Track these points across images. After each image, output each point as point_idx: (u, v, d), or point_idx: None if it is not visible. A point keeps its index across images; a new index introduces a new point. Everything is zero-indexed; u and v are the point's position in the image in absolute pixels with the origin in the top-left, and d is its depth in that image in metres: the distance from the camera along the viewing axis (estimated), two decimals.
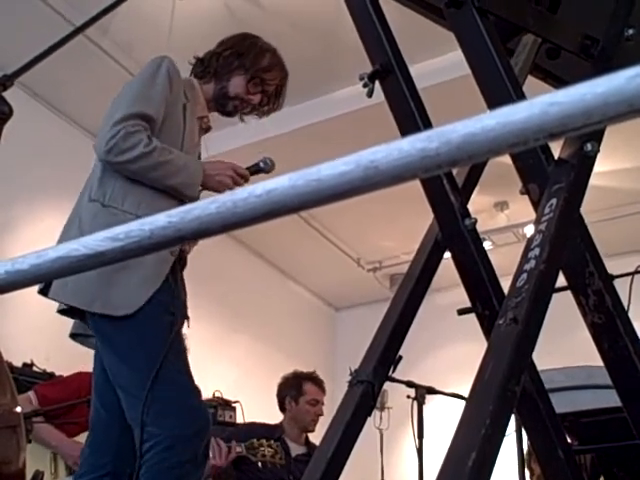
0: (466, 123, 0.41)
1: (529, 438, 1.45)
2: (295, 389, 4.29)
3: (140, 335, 2.03)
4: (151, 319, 2.04)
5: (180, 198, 2.15)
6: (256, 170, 2.34)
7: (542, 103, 0.40)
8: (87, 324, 2.15)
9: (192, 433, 1.96)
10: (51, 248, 0.48)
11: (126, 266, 1.96)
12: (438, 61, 4.92)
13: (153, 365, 1.95)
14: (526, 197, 1.37)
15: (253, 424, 4.26)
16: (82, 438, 3.11)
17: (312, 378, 4.37)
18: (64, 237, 2.11)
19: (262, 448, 3.54)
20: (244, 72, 2.36)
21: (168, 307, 2.08)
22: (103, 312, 2.01)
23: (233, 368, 6.55)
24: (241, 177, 2.27)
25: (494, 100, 1.36)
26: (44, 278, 0.48)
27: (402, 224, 6.61)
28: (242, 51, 2.38)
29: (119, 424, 2.07)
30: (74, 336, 2.24)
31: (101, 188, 2.08)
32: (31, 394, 3.26)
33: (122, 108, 2.08)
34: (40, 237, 5.01)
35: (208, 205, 0.46)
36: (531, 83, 1.75)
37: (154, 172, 2.06)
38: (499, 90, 1.34)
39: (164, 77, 2.16)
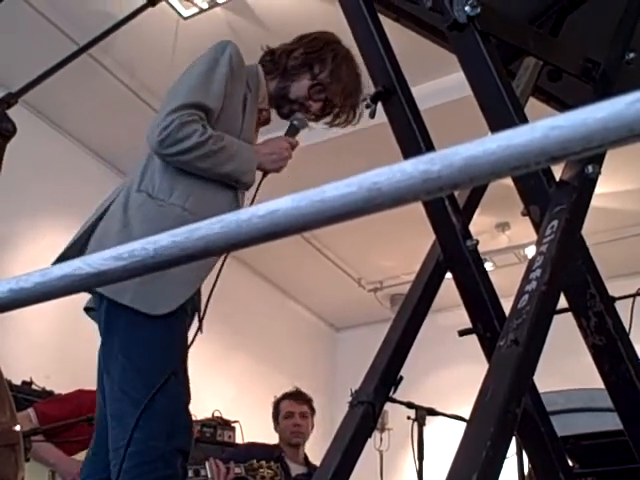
0: (468, 146, 0.42)
1: (530, 460, 1.44)
2: (275, 410, 4.38)
3: (158, 340, 1.92)
4: (175, 324, 1.95)
5: (235, 186, 2.08)
6: (295, 132, 2.26)
7: (543, 127, 0.40)
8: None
9: (171, 450, 1.85)
10: (55, 267, 0.49)
11: None
12: (440, 82, 4.95)
13: (158, 374, 1.86)
14: (527, 218, 1.37)
15: (252, 444, 4.25)
16: (81, 457, 3.10)
17: (288, 395, 4.41)
18: (103, 229, 1.99)
19: (262, 470, 3.52)
20: (311, 77, 2.26)
21: (187, 310, 2.02)
22: (133, 306, 1.89)
23: (232, 387, 6.53)
24: (292, 146, 2.22)
25: (496, 122, 1.37)
26: (48, 297, 0.49)
27: (403, 244, 6.62)
28: (315, 54, 2.28)
29: None
30: (88, 310, 2.13)
31: (151, 180, 2.00)
32: (30, 412, 3.25)
33: (179, 97, 2.00)
34: (42, 254, 5.01)
35: (212, 225, 0.46)
36: (533, 105, 1.76)
37: (207, 160, 1.98)
38: (501, 112, 1.35)
39: (226, 66, 2.07)
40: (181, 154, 1.95)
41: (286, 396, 4.40)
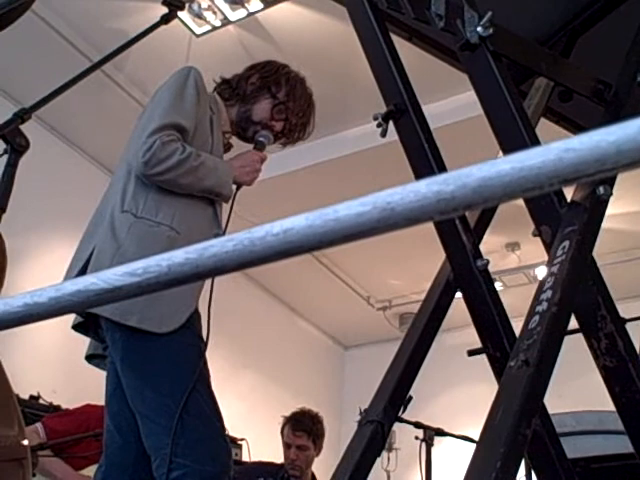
0: (481, 167, 0.42)
1: None
2: (281, 433, 4.19)
3: (173, 357, 1.93)
4: (186, 341, 1.96)
5: (214, 202, 2.14)
6: (261, 147, 2.35)
7: (557, 149, 0.40)
8: (101, 340, 2.07)
9: (220, 472, 1.87)
10: (69, 281, 0.49)
11: None
12: (451, 101, 4.96)
13: (181, 392, 1.86)
14: (538, 238, 1.37)
15: (259, 463, 4.22)
16: (88, 471, 3.09)
17: (290, 419, 4.19)
18: (99, 253, 2.00)
19: None
20: (271, 98, 2.37)
21: (199, 331, 2.02)
22: (141, 327, 1.90)
23: (239, 404, 6.51)
24: (262, 160, 2.31)
25: (507, 142, 1.37)
26: (62, 312, 0.49)
27: (412, 264, 6.61)
28: (272, 78, 2.39)
29: (135, 449, 1.99)
30: (90, 358, 2.16)
31: (133, 199, 2.04)
32: (39, 426, 3.25)
33: (155, 120, 2.06)
34: (51, 267, 5.03)
35: (225, 243, 0.46)
36: (542, 125, 1.76)
37: (189, 177, 2.04)
38: (512, 132, 1.35)
39: (193, 88, 2.15)
40: (165, 173, 2.01)
41: (288, 420, 4.20)
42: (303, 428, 4.09)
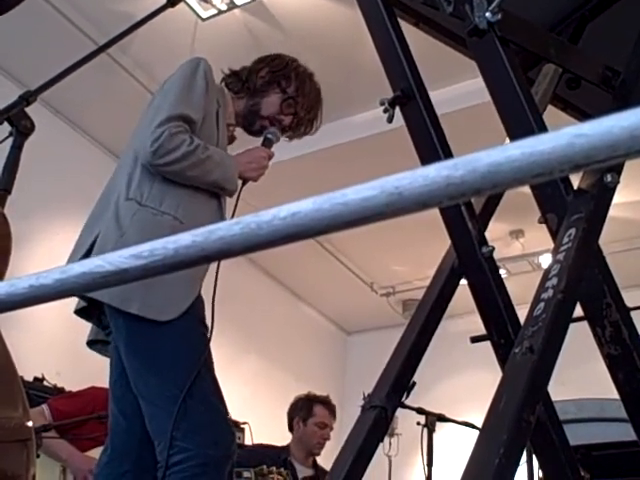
0: (491, 152, 0.42)
1: (542, 469, 1.43)
2: (305, 410, 4.27)
3: (176, 344, 1.94)
4: (189, 328, 1.97)
5: (219, 195, 2.14)
6: (269, 144, 2.36)
7: (568, 134, 0.40)
8: (103, 326, 2.08)
9: (223, 456, 1.89)
10: (75, 264, 0.49)
11: None
12: (458, 88, 4.94)
13: (184, 377, 1.87)
14: (542, 226, 1.37)
15: (260, 446, 4.24)
16: (93, 453, 3.11)
17: (324, 402, 4.34)
18: (103, 239, 2.00)
19: (272, 475, 3.52)
20: (281, 92, 2.38)
21: (202, 317, 2.03)
22: (142, 314, 1.91)
23: (242, 389, 6.53)
24: (269, 157, 2.31)
25: (514, 129, 1.36)
26: (67, 294, 0.49)
27: (416, 250, 6.61)
28: (281, 72, 2.40)
29: (139, 432, 2.00)
30: (91, 344, 2.18)
31: (138, 188, 2.04)
32: (45, 408, 3.26)
33: (164, 110, 2.06)
34: (56, 250, 5.04)
35: (232, 226, 0.46)
36: (548, 112, 1.75)
37: (196, 169, 2.04)
38: (519, 119, 1.34)
39: (202, 79, 2.15)
40: (172, 164, 2.01)
41: (322, 402, 4.32)
42: (334, 413, 4.34)
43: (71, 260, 2.09)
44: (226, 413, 1.99)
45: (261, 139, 2.38)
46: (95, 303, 2.02)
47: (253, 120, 2.38)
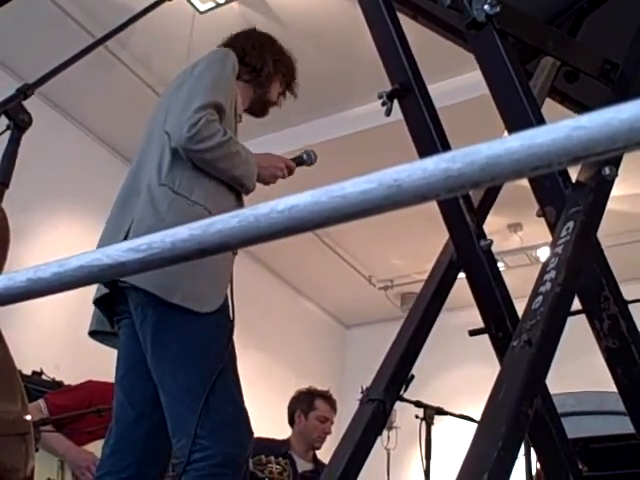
0: (490, 144, 0.42)
1: (540, 462, 1.44)
2: (306, 404, 4.28)
3: (206, 338, 1.93)
4: (221, 322, 1.97)
5: (238, 190, 2.15)
6: (300, 162, 2.39)
7: (567, 127, 0.40)
8: (114, 315, 2.06)
9: (241, 456, 1.88)
10: (73, 257, 0.49)
11: (203, 260, 1.85)
12: (456, 81, 4.93)
13: (210, 373, 1.86)
14: (540, 219, 1.37)
15: (260, 439, 4.24)
16: (90, 447, 3.11)
17: (325, 396, 4.35)
18: (138, 224, 1.98)
19: (270, 465, 3.53)
20: (282, 78, 2.48)
21: (229, 311, 2.02)
22: (184, 305, 1.89)
23: (242, 382, 6.54)
24: (288, 169, 2.33)
25: (512, 122, 1.36)
26: (65, 287, 0.49)
27: (414, 243, 6.61)
28: (283, 60, 2.49)
29: (147, 424, 1.98)
30: (94, 334, 2.15)
31: (170, 174, 2.03)
32: (41, 402, 3.26)
33: (200, 96, 2.05)
34: (55, 244, 5.05)
35: (230, 219, 0.46)
36: (546, 105, 1.75)
37: (225, 162, 2.05)
38: (517, 112, 1.34)
39: (230, 70, 2.18)
40: (206, 151, 2.00)
41: (323, 396, 4.33)
42: (335, 407, 4.34)
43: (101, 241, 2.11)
44: (247, 411, 1.97)
45: (297, 153, 2.43)
46: (115, 291, 2.00)
47: (265, 107, 2.46)
